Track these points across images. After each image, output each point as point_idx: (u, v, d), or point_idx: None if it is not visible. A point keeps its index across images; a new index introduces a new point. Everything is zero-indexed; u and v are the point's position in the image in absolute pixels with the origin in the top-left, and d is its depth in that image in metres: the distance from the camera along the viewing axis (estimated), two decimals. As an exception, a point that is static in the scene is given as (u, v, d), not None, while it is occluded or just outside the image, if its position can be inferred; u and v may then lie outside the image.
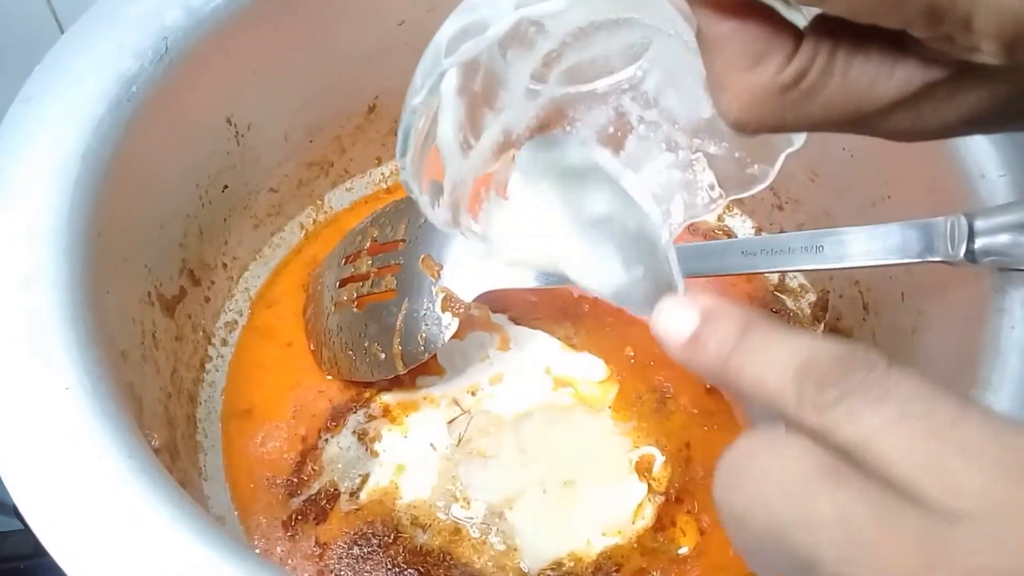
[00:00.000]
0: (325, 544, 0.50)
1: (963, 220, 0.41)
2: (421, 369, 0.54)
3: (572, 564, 0.49)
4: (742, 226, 0.62)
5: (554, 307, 0.59)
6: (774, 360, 0.23)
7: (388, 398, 0.55)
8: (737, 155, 0.32)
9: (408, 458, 0.53)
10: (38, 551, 0.33)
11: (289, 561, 0.49)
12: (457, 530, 0.50)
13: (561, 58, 0.30)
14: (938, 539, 0.20)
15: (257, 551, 0.50)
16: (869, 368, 0.22)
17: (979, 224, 0.41)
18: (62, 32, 0.55)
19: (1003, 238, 0.40)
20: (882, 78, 0.25)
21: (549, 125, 0.32)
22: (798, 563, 0.21)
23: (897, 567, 0.20)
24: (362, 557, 0.50)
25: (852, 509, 0.21)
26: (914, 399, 0.21)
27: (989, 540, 0.19)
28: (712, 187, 0.33)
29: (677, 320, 0.26)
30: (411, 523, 0.51)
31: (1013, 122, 0.27)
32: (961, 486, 0.20)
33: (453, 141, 0.30)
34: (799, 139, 0.31)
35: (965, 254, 0.41)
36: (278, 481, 0.52)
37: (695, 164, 0.33)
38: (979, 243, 0.41)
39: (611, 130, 0.32)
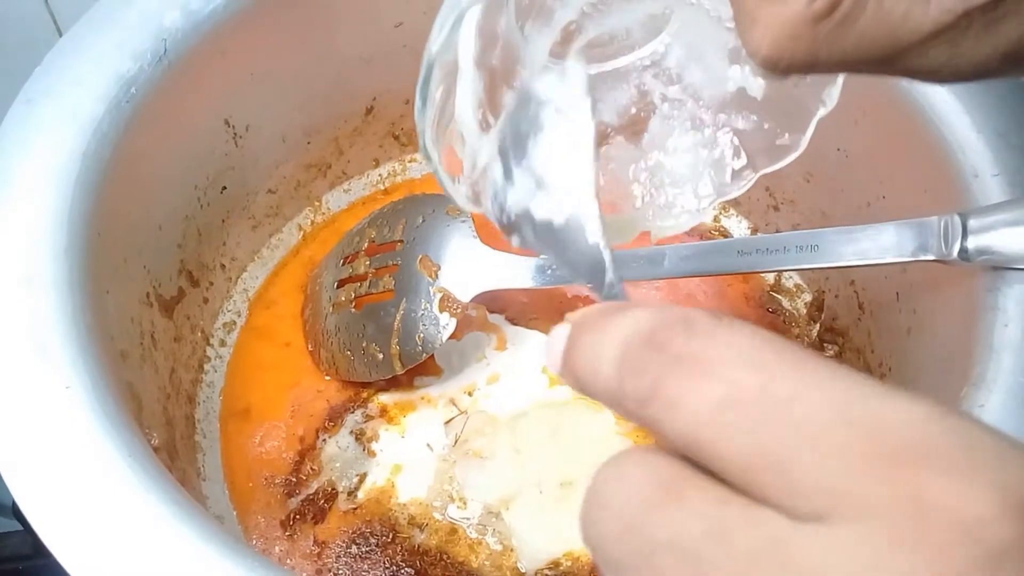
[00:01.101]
0: (323, 543, 0.50)
1: (957, 219, 0.41)
2: (419, 369, 0.54)
3: (569, 564, 0.50)
4: (738, 226, 0.63)
5: (551, 307, 0.59)
6: (602, 353, 0.20)
7: (386, 398, 0.55)
8: (766, 127, 0.31)
9: (405, 458, 0.53)
10: (37, 552, 0.33)
11: (288, 561, 0.50)
12: (454, 530, 0.50)
13: (580, 31, 0.29)
14: (780, 549, 0.17)
15: (256, 551, 0.50)
16: (687, 332, 0.19)
17: (973, 223, 0.41)
18: (60, 34, 0.55)
19: (996, 237, 0.41)
20: (919, 5, 0.23)
21: None
22: None
23: None
24: (360, 556, 0.50)
25: (686, 530, 0.18)
26: (744, 369, 0.18)
27: (835, 549, 0.16)
28: (742, 163, 0.31)
29: (553, 348, 0.23)
30: (408, 523, 0.51)
31: None
32: (804, 484, 0.17)
33: (471, 117, 0.29)
34: (831, 99, 0.30)
35: (959, 253, 0.41)
36: (276, 481, 0.52)
37: (721, 140, 0.31)
38: (973, 242, 0.41)
39: (633, 111, 0.31)
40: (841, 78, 0.30)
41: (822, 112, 0.30)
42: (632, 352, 0.20)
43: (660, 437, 0.19)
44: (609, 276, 0.24)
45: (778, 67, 0.25)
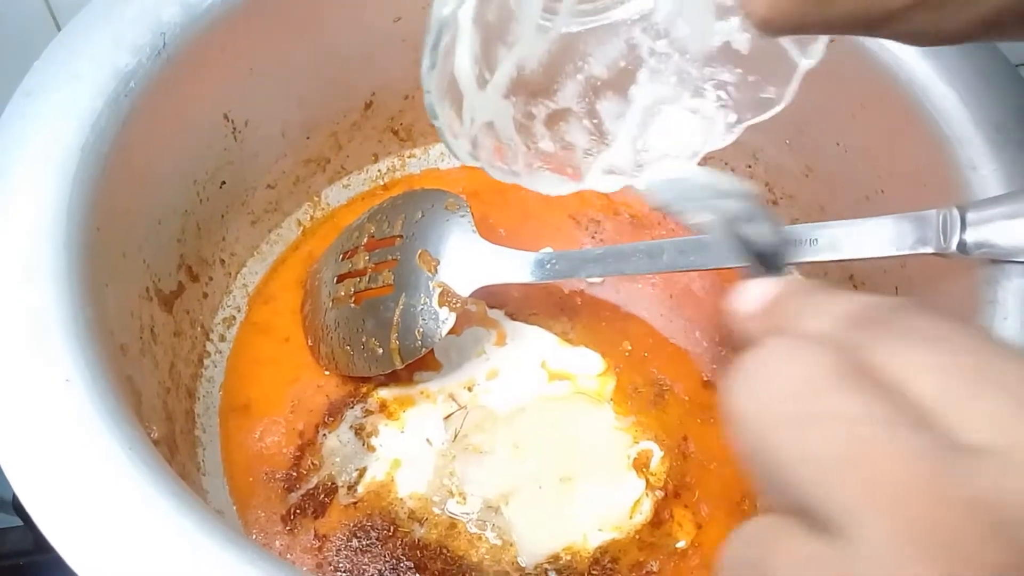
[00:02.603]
0: (324, 537, 0.50)
1: (955, 212, 0.41)
2: (418, 364, 0.54)
3: (569, 558, 0.50)
4: (737, 221, 0.63)
5: (550, 302, 0.59)
6: (823, 310, 0.24)
7: (385, 393, 0.55)
8: (751, 79, 0.32)
9: (404, 453, 0.53)
10: (38, 547, 0.33)
11: (288, 555, 0.50)
12: (453, 525, 0.51)
13: None
14: (951, 459, 0.19)
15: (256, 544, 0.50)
16: (916, 313, 0.22)
17: (971, 216, 0.41)
18: (58, 29, 0.55)
19: (995, 230, 0.41)
20: None
21: (561, 60, 0.31)
22: (797, 464, 0.20)
23: (901, 477, 0.19)
24: (360, 550, 0.50)
25: (865, 411, 0.20)
26: (958, 342, 0.21)
27: (1003, 473, 0.18)
28: (728, 114, 0.33)
29: (753, 296, 0.27)
30: (408, 517, 0.51)
31: None
32: (986, 421, 0.19)
33: (470, 73, 0.30)
34: (816, 53, 0.31)
35: (957, 246, 0.41)
36: (277, 476, 0.52)
37: (708, 93, 0.32)
38: (971, 235, 0.41)
39: (622, 64, 0.32)
40: (825, 37, 0.31)
41: (805, 64, 0.31)
42: (861, 313, 0.22)
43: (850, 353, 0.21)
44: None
45: (771, 27, 0.26)
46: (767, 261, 0.30)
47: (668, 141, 0.32)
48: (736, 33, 0.30)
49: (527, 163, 0.33)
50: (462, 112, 0.31)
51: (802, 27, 0.26)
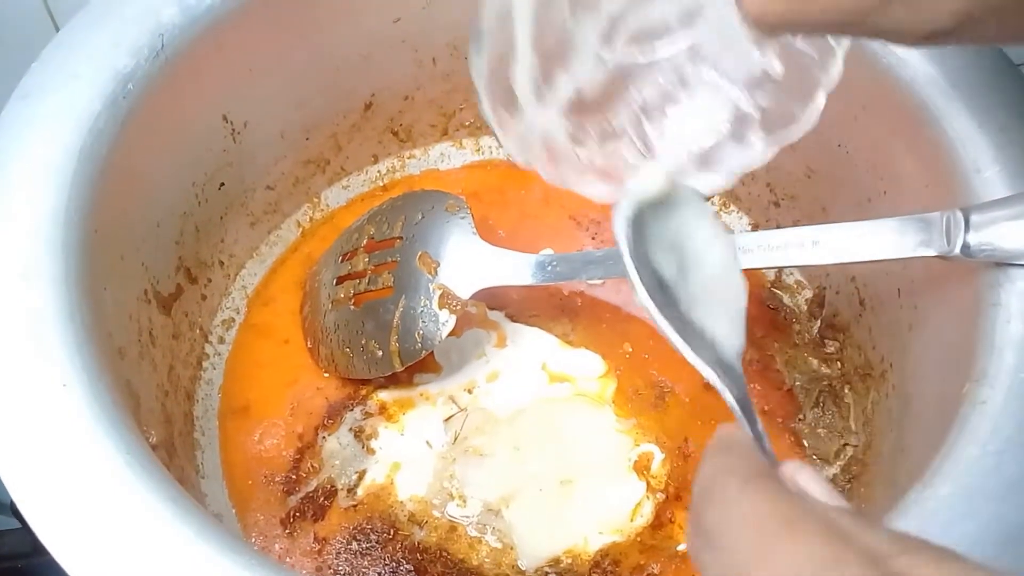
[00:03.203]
0: (324, 540, 0.50)
1: (959, 215, 0.41)
2: (418, 366, 0.54)
3: (570, 561, 0.49)
4: (738, 222, 0.63)
5: (551, 304, 0.59)
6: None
7: (385, 395, 0.55)
8: (784, 103, 0.34)
9: (404, 456, 0.53)
10: (36, 549, 0.33)
11: (288, 558, 0.49)
12: (453, 528, 0.50)
13: (624, 21, 0.32)
14: None
15: (255, 549, 0.50)
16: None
17: (975, 218, 0.41)
18: (57, 30, 0.55)
19: (998, 232, 0.40)
20: None
21: (615, 84, 0.33)
22: None
23: None
24: (360, 553, 0.50)
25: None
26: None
27: None
28: (765, 135, 0.34)
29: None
30: (408, 520, 0.51)
31: (1016, 35, 0.27)
32: None
33: (529, 90, 0.32)
34: (834, 71, 0.32)
35: (961, 249, 0.41)
36: (276, 479, 0.52)
37: (747, 115, 0.34)
38: (974, 238, 0.41)
39: (670, 86, 0.34)
40: (841, 54, 0.32)
41: (826, 82, 0.33)
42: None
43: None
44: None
45: (764, 25, 0.28)
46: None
47: (710, 159, 0.34)
48: (772, 61, 0.32)
49: (578, 171, 0.34)
50: (512, 121, 0.33)
51: (790, 25, 0.28)
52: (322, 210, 0.63)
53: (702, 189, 0.34)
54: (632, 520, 0.51)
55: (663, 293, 0.31)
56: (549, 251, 0.59)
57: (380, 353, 0.53)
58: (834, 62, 0.32)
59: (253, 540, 0.50)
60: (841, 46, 0.32)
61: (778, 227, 0.60)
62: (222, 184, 0.55)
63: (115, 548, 0.33)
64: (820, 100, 0.33)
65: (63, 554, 0.33)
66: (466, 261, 0.52)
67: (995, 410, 0.38)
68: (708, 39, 0.32)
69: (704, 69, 0.33)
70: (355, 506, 0.51)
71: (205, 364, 0.55)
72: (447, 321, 0.51)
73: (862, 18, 0.27)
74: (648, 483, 0.52)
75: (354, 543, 0.50)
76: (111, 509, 0.34)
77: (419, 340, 0.51)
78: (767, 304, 0.59)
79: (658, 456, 0.53)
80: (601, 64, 0.32)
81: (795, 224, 0.58)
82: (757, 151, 0.34)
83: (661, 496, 0.51)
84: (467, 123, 0.65)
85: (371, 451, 0.53)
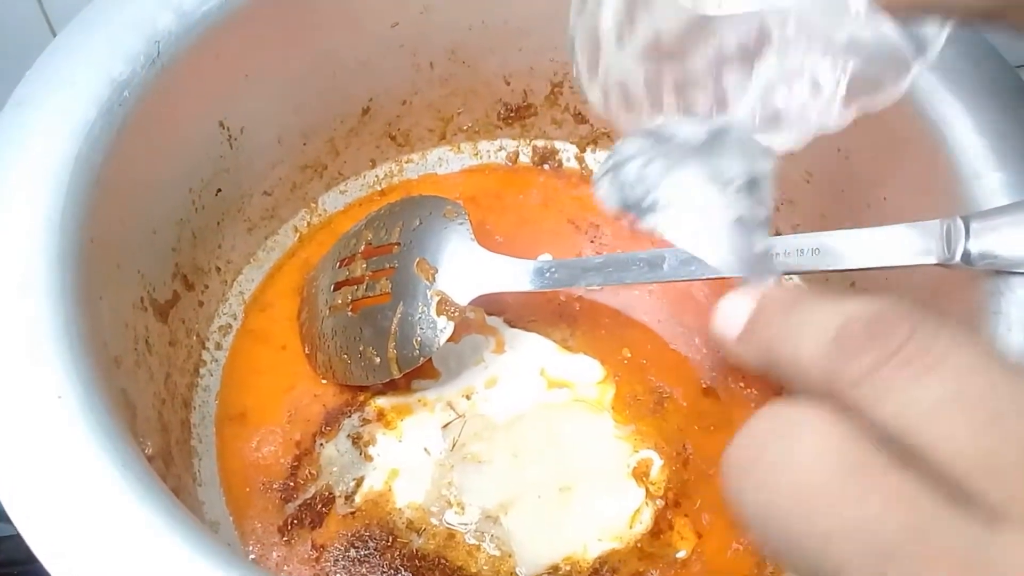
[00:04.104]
0: (321, 547, 0.50)
1: (959, 222, 0.41)
2: (416, 372, 0.53)
3: (568, 568, 0.49)
4: (737, 227, 0.62)
5: (549, 309, 0.59)
6: (810, 334, 0.21)
7: (383, 401, 0.55)
8: (871, 71, 0.33)
9: (402, 462, 0.52)
10: (32, 557, 0.33)
11: (286, 567, 0.49)
12: (452, 535, 0.50)
13: None
14: (995, 555, 0.17)
15: (252, 557, 0.50)
16: (912, 329, 0.19)
17: (975, 226, 0.41)
18: (54, 34, 0.55)
19: (1000, 240, 0.40)
20: None
21: (696, 32, 0.33)
22: (817, 570, 0.18)
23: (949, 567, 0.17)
24: (358, 560, 0.50)
25: (887, 519, 0.18)
26: (969, 373, 0.19)
27: None
28: (845, 101, 0.33)
29: (730, 316, 0.25)
30: (406, 527, 0.50)
31: None
32: (1020, 491, 0.17)
33: (612, 31, 0.33)
34: (934, 49, 0.32)
35: (961, 257, 0.41)
36: (274, 486, 0.52)
37: (828, 77, 0.33)
38: (975, 245, 0.40)
39: (752, 41, 0.33)
40: (944, 32, 0.32)
41: (921, 62, 0.32)
42: (851, 334, 0.20)
43: (861, 417, 0.19)
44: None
45: (896, 7, 0.27)
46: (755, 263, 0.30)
47: (784, 118, 0.34)
48: (862, 27, 0.32)
49: (650, 118, 0.35)
50: (598, 65, 0.34)
51: (924, 9, 0.26)
52: (320, 215, 0.62)
53: (772, 148, 0.34)
54: (631, 527, 0.50)
55: None
56: (548, 256, 0.59)
57: (378, 360, 0.52)
58: (936, 37, 0.31)
59: (250, 548, 0.50)
60: (948, 24, 0.31)
61: (777, 233, 0.60)
62: (219, 190, 0.55)
63: (108, 561, 0.33)
64: (913, 73, 0.32)
65: (55, 566, 0.32)
66: (464, 268, 0.52)
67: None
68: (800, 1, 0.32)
69: (791, 27, 0.32)
70: (353, 513, 0.51)
71: (202, 371, 0.55)
72: (445, 328, 0.51)
73: (1001, 14, 0.25)
74: (647, 490, 0.52)
75: (352, 550, 0.50)
76: (105, 522, 0.33)
77: (417, 347, 0.51)
78: (766, 309, 0.59)
79: (657, 462, 0.53)
80: (681, 10, 0.33)
81: (794, 230, 0.58)
82: (834, 116, 0.34)
83: (660, 503, 0.51)
84: (465, 127, 0.64)
85: (369, 458, 0.53)
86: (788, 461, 0.19)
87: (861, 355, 0.20)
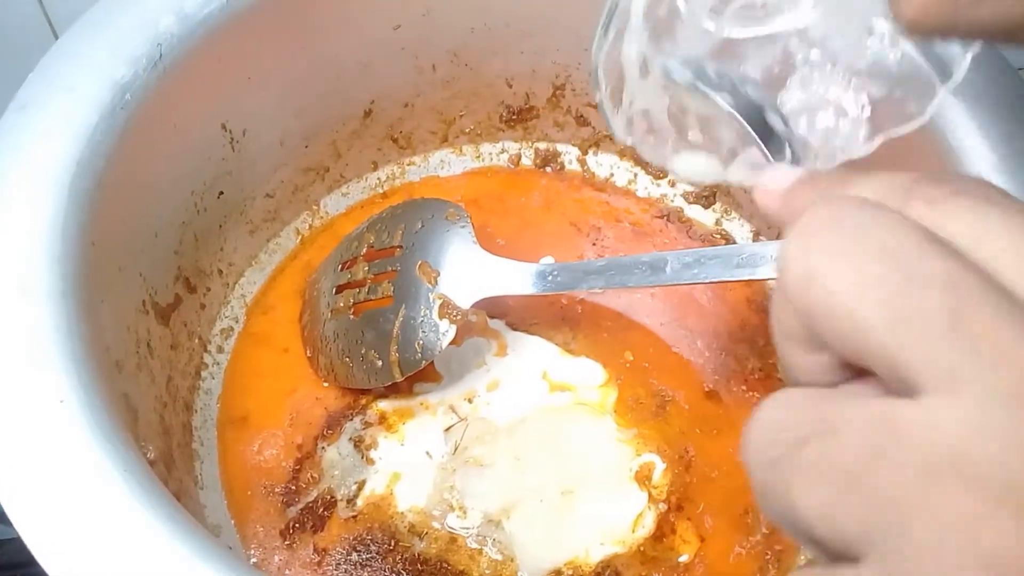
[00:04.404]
0: (323, 551, 0.50)
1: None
2: (418, 375, 0.53)
3: (571, 572, 0.49)
4: (740, 230, 0.62)
5: (551, 311, 0.59)
6: (878, 180, 0.23)
7: (384, 405, 0.54)
8: (896, 95, 0.33)
9: (404, 466, 0.52)
10: (34, 560, 0.33)
11: (287, 570, 0.49)
12: (453, 539, 0.50)
13: None
14: (890, 424, 0.19)
15: (254, 560, 0.50)
16: (988, 185, 0.21)
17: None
18: (56, 37, 0.55)
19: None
20: None
21: (719, 61, 0.34)
22: (892, 326, 0.20)
23: (1006, 339, 0.18)
24: (360, 564, 0.49)
25: (964, 275, 0.19)
26: (1007, 202, 0.21)
27: (943, 416, 0.18)
28: (869, 125, 0.34)
29: (782, 178, 0.27)
30: (408, 531, 0.50)
31: None
32: (914, 359, 0.19)
33: (635, 62, 0.33)
34: (960, 71, 0.32)
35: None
36: (276, 489, 0.52)
37: (853, 103, 0.34)
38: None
39: (776, 70, 0.34)
40: (970, 54, 0.31)
41: (949, 84, 0.32)
42: (930, 177, 0.22)
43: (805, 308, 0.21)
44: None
45: (920, 30, 0.27)
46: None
47: (809, 145, 0.34)
48: (886, 50, 0.32)
49: (675, 148, 0.35)
50: (622, 94, 0.34)
51: (949, 30, 0.27)
52: (321, 217, 0.62)
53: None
54: (634, 531, 0.50)
55: None
56: (550, 259, 0.59)
57: (380, 363, 0.52)
58: (962, 59, 0.31)
59: (252, 552, 0.50)
60: (973, 46, 0.31)
61: (779, 235, 0.60)
62: (221, 193, 0.55)
63: (110, 565, 0.33)
64: (939, 97, 0.32)
65: (56, 569, 0.32)
66: (466, 271, 0.52)
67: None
68: (821, 21, 0.32)
69: (814, 52, 0.33)
70: (355, 517, 0.51)
71: (204, 374, 0.55)
72: (447, 331, 0.51)
73: None
74: (649, 493, 0.51)
75: (354, 554, 0.50)
76: (107, 525, 0.33)
77: (419, 350, 0.51)
78: (768, 312, 0.59)
79: (659, 466, 0.52)
80: (707, 37, 0.32)
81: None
82: (859, 143, 0.34)
83: (663, 507, 0.51)
84: (467, 130, 0.64)
85: (371, 461, 0.53)
86: (872, 225, 0.21)
87: (943, 184, 0.22)
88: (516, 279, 0.51)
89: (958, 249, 0.20)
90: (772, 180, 0.28)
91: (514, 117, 0.64)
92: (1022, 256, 0.20)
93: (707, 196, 0.63)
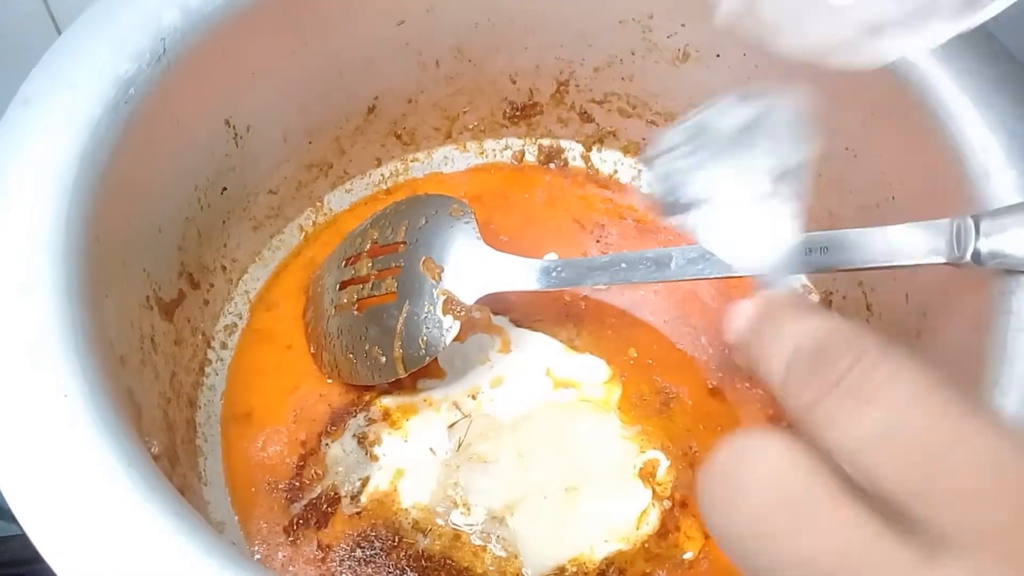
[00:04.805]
0: (327, 548, 0.50)
1: (969, 221, 0.41)
2: (422, 372, 0.53)
3: (575, 569, 0.49)
4: (744, 226, 0.62)
5: (555, 308, 0.59)
6: (778, 349, 0.23)
7: (388, 401, 0.54)
8: None
9: (407, 462, 0.52)
10: (38, 556, 0.33)
11: (291, 567, 0.49)
12: (457, 536, 0.50)
13: None
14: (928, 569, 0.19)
15: (258, 557, 0.49)
16: (856, 357, 0.21)
17: (985, 225, 0.40)
18: (59, 32, 0.55)
19: (1010, 239, 0.40)
20: None
21: None
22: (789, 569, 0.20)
23: None
24: (364, 560, 0.49)
25: (821, 552, 0.19)
26: (908, 403, 0.20)
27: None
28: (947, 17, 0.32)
29: (733, 321, 0.27)
30: (412, 527, 0.50)
31: None
32: (959, 520, 0.19)
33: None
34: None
35: (971, 256, 0.40)
36: (279, 486, 0.52)
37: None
38: (985, 245, 0.40)
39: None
40: None
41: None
42: (801, 361, 0.22)
43: (816, 441, 0.21)
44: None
45: None
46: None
47: (881, 31, 0.32)
48: None
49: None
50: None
51: None
52: (325, 214, 0.62)
53: (868, 61, 0.33)
54: (638, 528, 0.50)
55: None
56: (554, 255, 0.59)
57: (384, 359, 0.52)
58: None
59: (256, 548, 0.50)
60: None
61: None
62: (224, 188, 0.54)
63: (113, 560, 0.32)
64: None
65: (62, 568, 0.32)
66: (470, 267, 0.52)
67: (1007, 419, 0.38)
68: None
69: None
70: (359, 513, 0.51)
71: (207, 370, 0.55)
72: (451, 327, 0.51)
73: None
74: (654, 490, 0.51)
75: (358, 551, 0.50)
76: (110, 521, 0.33)
77: (423, 346, 0.51)
78: (773, 309, 0.59)
79: (663, 463, 0.52)
80: None
81: (802, 228, 0.58)
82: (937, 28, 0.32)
83: (667, 504, 0.51)
84: (470, 126, 0.64)
85: (375, 458, 0.52)
86: (742, 491, 0.21)
87: (809, 383, 0.21)
88: (520, 275, 0.51)
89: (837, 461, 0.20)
90: (732, 318, 0.28)
91: (518, 113, 0.64)
92: (910, 483, 0.19)
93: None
